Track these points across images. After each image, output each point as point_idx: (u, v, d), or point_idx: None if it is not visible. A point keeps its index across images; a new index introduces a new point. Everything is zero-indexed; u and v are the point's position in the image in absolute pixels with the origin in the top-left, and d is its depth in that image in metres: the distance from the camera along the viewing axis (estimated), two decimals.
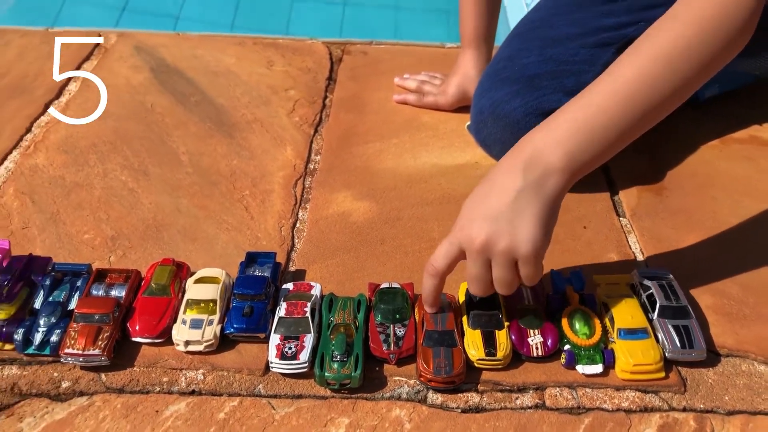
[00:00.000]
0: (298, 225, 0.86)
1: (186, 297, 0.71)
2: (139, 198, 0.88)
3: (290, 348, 0.67)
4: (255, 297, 0.71)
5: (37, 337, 0.68)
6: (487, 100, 0.89)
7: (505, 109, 0.87)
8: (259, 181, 0.93)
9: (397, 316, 0.71)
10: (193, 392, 0.66)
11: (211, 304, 0.71)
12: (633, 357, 0.67)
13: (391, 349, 0.69)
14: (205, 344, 0.68)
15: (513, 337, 0.69)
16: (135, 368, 0.68)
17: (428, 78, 1.12)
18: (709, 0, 0.64)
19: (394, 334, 0.70)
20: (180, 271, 0.75)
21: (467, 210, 0.66)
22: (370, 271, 0.79)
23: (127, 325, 0.69)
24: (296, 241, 0.84)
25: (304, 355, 0.67)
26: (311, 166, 0.96)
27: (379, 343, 0.69)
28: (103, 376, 0.67)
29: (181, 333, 0.68)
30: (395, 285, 0.75)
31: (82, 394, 0.66)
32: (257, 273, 0.75)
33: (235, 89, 1.11)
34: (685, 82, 0.64)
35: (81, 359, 0.66)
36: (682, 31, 0.63)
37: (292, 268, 0.80)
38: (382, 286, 0.75)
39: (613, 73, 0.65)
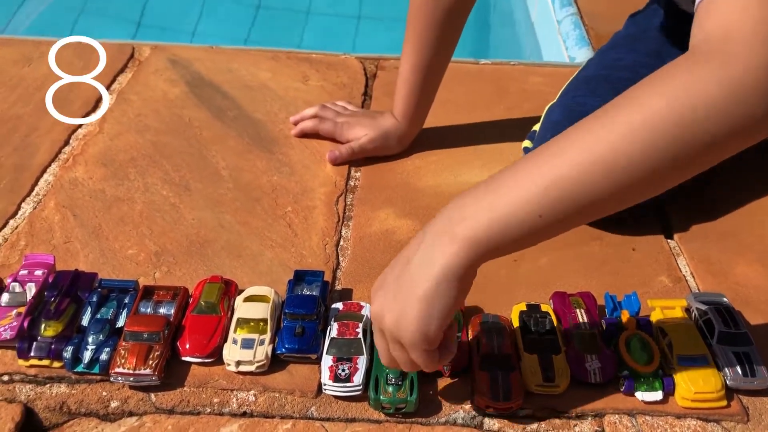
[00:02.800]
0: (341, 243, 0.85)
1: (236, 316, 0.70)
2: (181, 213, 0.87)
3: (343, 370, 0.66)
4: (306, 317, 0.70)
5: (87, 356, 0.66)
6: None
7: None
8: (300, 197, 0.92)
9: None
10: (244, 414, 0.65)
11: (262, 324, 0.70)
12: (694, 385, 0.65)
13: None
14: (256, 365, 0.67)
15: (570, 362, 0.68)
16: (185, 388, 0.67)
17: (330, 104, 1.05)
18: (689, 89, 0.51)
19: None
20: (228, 289, 0.74)
21: (382, 274, 0.60)
22: None
23: (177, 344, 0.68)
24: (341, 259, 0.83)
25: (358, 378, 0.66)
26: (351, 183, 0.95)
27: None
28: (152, 396, 0.66)
29: (232, 353, 0.67)
30: None
31: (131, 414, 0.65)
32: (306, 292, 0.74)
33: (272, 104, 1.11)
34: (631, 191, 0.53)
35: (131, 378, 0.65)
36: (665, 109, 0.51)
37: (338, 287, 0.79)
38: None
39: (561, 150, 0.53)
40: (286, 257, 0.82)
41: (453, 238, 0.54)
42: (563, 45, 1.39)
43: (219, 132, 1.03)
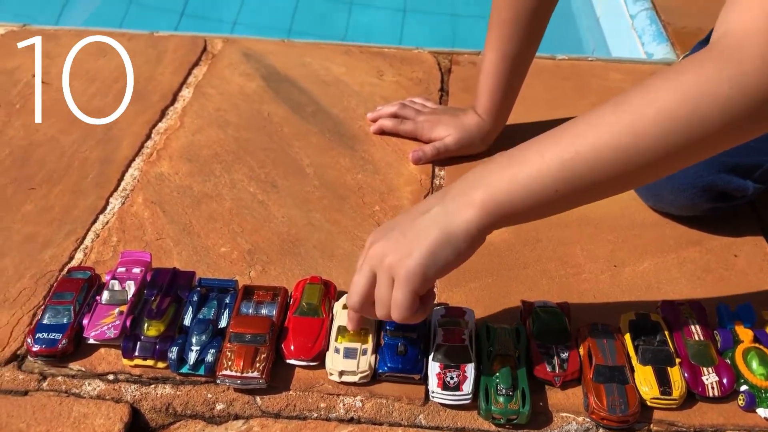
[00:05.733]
0: None
1: (336, 323, 0.69)
2: (270, 211, 0.86)
3: (452, 378, 0.65)
4: (408, 334, 0.68)
5: (191, 357, 0.66)
6: None
7: (680, 174, 0.75)
8: (387, 196, 0.90)
9: (557, 336, 0.68)
10: (352, 420, 0.64)
11: (363, 332, 0.68)
12: None
13: (556, 371, 0.66)
14: (360, 375, 0.65)
15: (686, 375, 0.65)
16: (291, 392, 0.66)
17: (408, 102, 1.03)
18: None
19: (558, 355, 0.67)
20: (328, 291, 0.72)
21: (384, 224, 0.64)
22: (515, 296, 0.76)
23: (281, 346, 0.67)
24: None
25: (468, 386, 0.64)
26: (437, 182, 0.93)
27: (542, 365, 0.66)
28: (258, 399, 0.65)
29: (335, 362, 0.66)
30: (550, 303, 0.72)
31: (237, 417, 0.64)
32: None
33: (349, 99, 1.09)
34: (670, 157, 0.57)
35: (238, 381, 0.64)
36: (673, 97, 0.55)
37: (432, 289, 0.77)
38: (537, 304, 0.72)
39: (581, 132, 0.58)
40: None
41: (472, 201, 0.59)
42: (638, 41, 1.35)
43: (299, 128, 1.02)
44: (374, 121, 1.02)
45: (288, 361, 0.67)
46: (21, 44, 1.17)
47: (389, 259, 0.59)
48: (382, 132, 1.01)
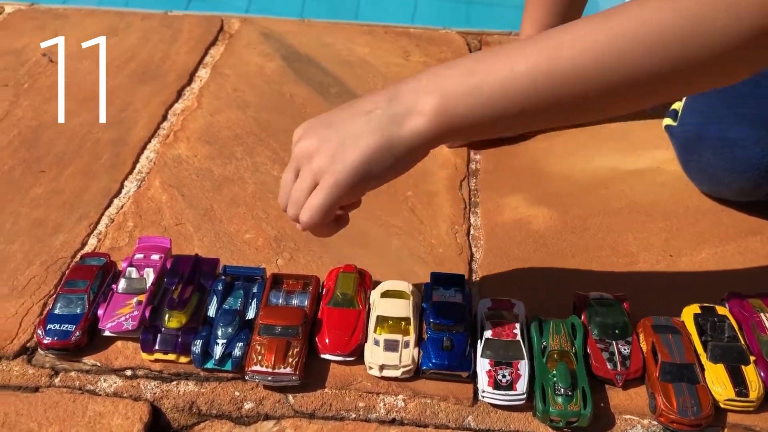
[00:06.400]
0: (472, 232, 0.78)
1: (375, 313, 0.63)
2: None
3: (504, 376, 0.59)
4: (454, 328, 0.62)
5: (217, 351, 0.60)
6: (716, 132, 0.76)
7: (741, 154, 0.74)
8: (420, 181, 0.84)
9: (617, 331, 0.62)
10: (393, 421, 0.58)
11: (403, 323, 0.62)
12: None
13: (618, 369, 0.60)
14: (402, 370, 0.60)
15: (762, 374, 0.59)
16: (326, 390, 0.60)
17: None
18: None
19: (619, 352, 0.61)
20: (363, 280, 0.66)
21: (319, 116, 0.56)
22: (566, 288, 0.70)
23: (315, 339, 0.61)
24: (474, 250, 0.75)
25: (522, 385, 0.58)
26: (473, 166, 0.87)
27: (602, 362, 0.60)
28: (290, 397, 0.59)
29: (375, 356, 0.60)
30: (606, 296, 0.66)
31: (267, 417, 0.58)
32: (446, 298, 0.65)
33: (374, 80, 1.03)
34: (649, 75, 0.50)
35: (269, 378, 0.58)
36: (670, 17, 0.48)
37: (474, 279, 0.71)
38: (592, 296, 0.66)
39: (554, 37, 0.51)
40: (415, 246, 0.75)
41: (423, 110, 0.51)
42: None
43: (323, 109, 0.94)
44: None
45: (322, 356, 0.61)
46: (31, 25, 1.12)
47: (318, 160, 0.53)
48: None
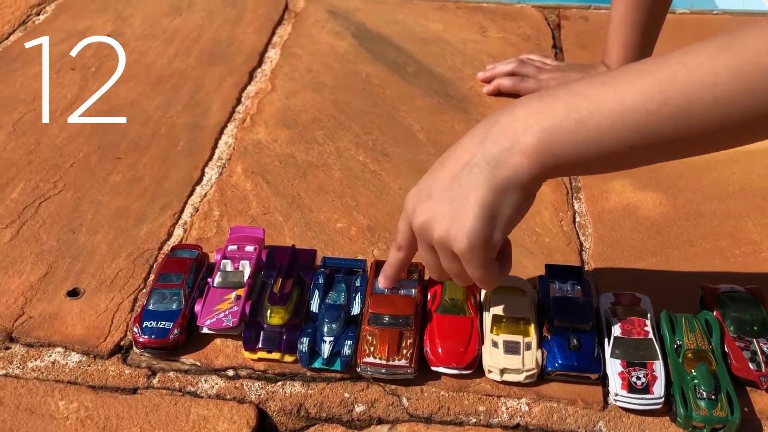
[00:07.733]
0: (578, 219, 0.72)
1: (491, 312, 0.59)
2: (385, 182, 0.76)
3: (639, 378, 0.54)
4: (579, 326, 0.57)
5: (325, 349, 0.56)
6: None
7: None
8: None
9: (756, 328, 0.57)
10: (518, 426, 0.54)
11: (522, 323, 0.58)
12: None
13: (762, 370, 0.54)
14: (525, 374, 0.55)
15: None
16: (443, 392, 0.56)
17: (526, 59, 0.92)
18: None
19: (762, 351, 0.55)
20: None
21: (421, 181, 0.53)
22: (686, 280, 0.65)
23: (426, 350, 0.56)
24: (582, 239, 0.70)
25: (659, 388, 0.53)
26: None
27: (744, 362, 0.55)
28: (404, 400, 0.55)
29: (495, 359, 0.55)
30: (739, 289, 0.60)
31: (381, 421, 0.54)
32: (566, 293, 0.60)
33: (453, 58, 0.98)
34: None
35: (383, 371, 0.54)
36: None
37: (587, 271, 0.66)
38: (723, 289, 0.61)
39: (664, 68, 0.46)
40: (519, 235, 0.70)
41: (523, 149, 0.48)
42: None
43: (403, 89, 0.91)
44: (487, 81, 0.91)
45: (434, 368, 0.56)
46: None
47: (438, 233, 0.50)
48: (498, 92, 0.90)
